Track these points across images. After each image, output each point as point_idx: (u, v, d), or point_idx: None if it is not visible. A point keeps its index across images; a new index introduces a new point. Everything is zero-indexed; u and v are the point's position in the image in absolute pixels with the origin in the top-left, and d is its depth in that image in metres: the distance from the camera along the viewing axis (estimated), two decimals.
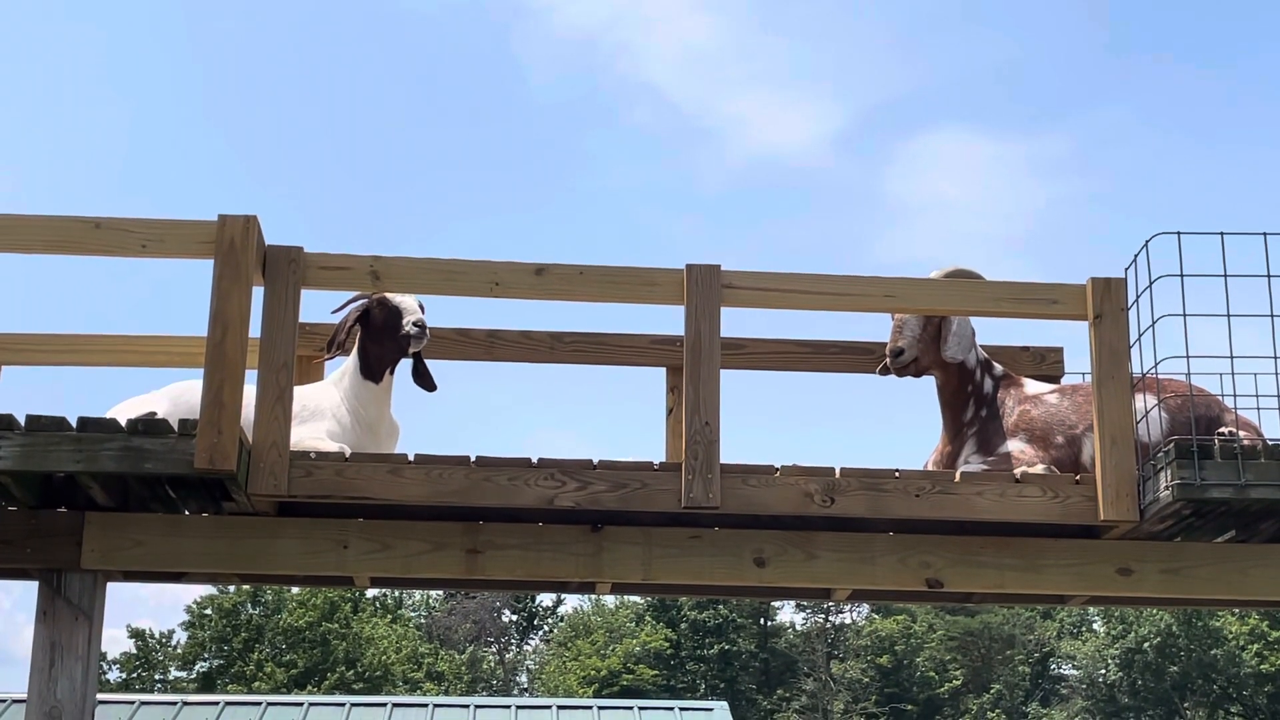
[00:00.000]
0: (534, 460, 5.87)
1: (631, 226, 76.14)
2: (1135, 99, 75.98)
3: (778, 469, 5.92)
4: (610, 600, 55.09)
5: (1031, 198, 76.72)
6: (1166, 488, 5.60)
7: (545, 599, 55.45)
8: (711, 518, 6.04)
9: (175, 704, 14.05)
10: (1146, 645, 47.57)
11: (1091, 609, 53.59)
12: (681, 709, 14.48)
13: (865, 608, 53.81)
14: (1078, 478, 5.97)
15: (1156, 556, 6.09)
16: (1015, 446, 6.32)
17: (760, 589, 6.48)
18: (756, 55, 77.90)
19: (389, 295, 6.43)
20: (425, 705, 14.22)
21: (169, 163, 73.92)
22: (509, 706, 14.32)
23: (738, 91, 77.86)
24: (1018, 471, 6.03)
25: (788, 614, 54.44)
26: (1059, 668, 55.37)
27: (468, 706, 14.26)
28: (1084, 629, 54.51)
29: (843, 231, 76.82)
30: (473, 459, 5.85)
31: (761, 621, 53.34)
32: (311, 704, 14.22)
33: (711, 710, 14.48)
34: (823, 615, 53.87)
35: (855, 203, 77.64)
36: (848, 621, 54.15)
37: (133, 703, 13.87)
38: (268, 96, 76.33)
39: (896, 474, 5.95)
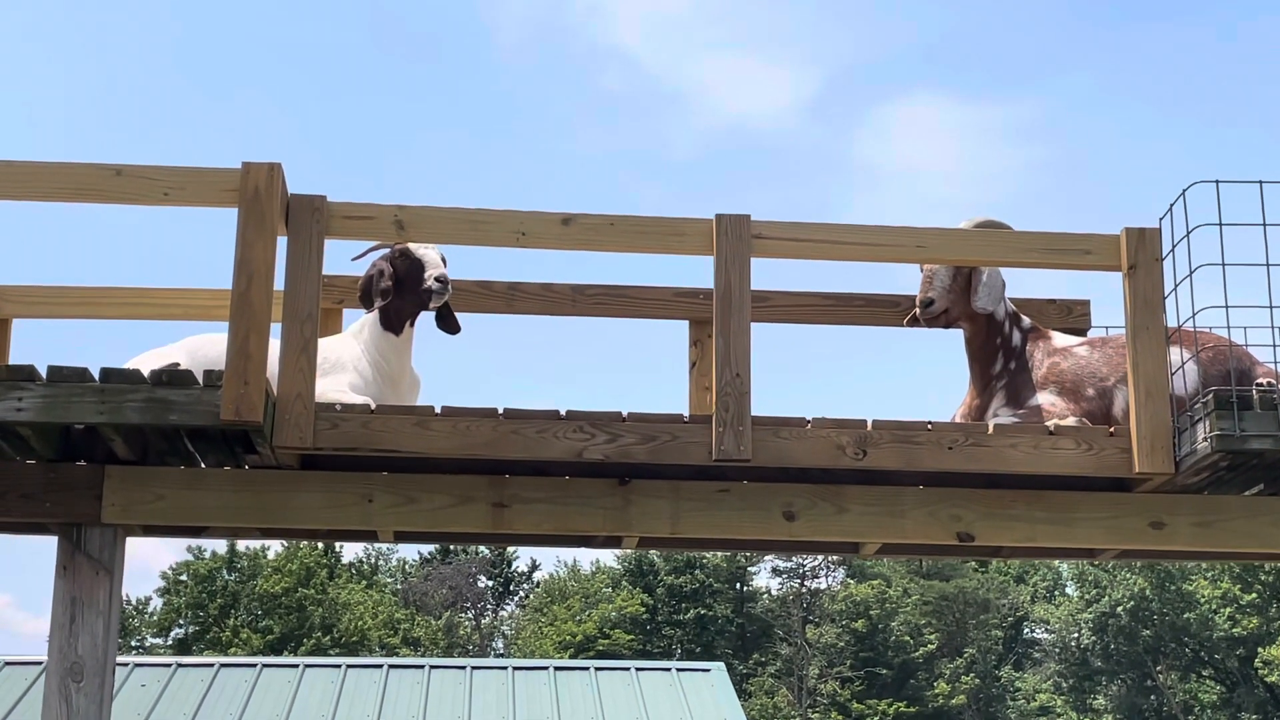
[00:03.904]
0: (562, 413, 5.79)
1: (600, 192, 75.92)
2: (1108, 63, 76.04)
3: (809, 421, 5.85)
4: (586, 565, 55.18)
5: (1005, 163, 76.82)
6: (1205, 439, 5.55)
7: (521, 564, 55.52)
8: (740, 471, 5.97)
9: (169, 666, 13.95)
10: (1120, 609, 47.82)
11: (1065, 571, 53.88)
12: (679, 669, 14.45)
13: (840, 573, 53.98)
14: (1112, 430, 5.92)
15: (1189, 510, 6.04)
16: (1046, 399, 6.27)
17: (789, 543, 6.42)
18: (727, 19, 77.74)
19: (411, 247, 6.33)
20: (421, 667, 14.13)
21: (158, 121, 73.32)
22: (505, 668, 14.24)
23: (708, 56, 77.63)
24: (1051, 424, 5.97)
25: (764, 579, 54.61)
26: (1032, 632, 55.72)
27: (464, 668, 14.18)
28: (1057, 593, 54.81)
29: (813, 197, 76.78)
30: (500, 411, 5.76)
31: (738, 586, 53.47)
32: (307, 665, 14.11)
33: (709, 671, 14.44)
34: (798, 580, 54.01)
35: (826, 168, 77.68)
36: (823, 587, 54.31)
37: (126, 664, 13.77)
38: (247, 62, 75.74)
39: (929, 426, 5.88)
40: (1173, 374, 5.93)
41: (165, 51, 74.91)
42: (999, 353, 6.48)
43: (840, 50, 78.99)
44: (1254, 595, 45.78)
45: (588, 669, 14.37)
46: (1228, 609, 46.26)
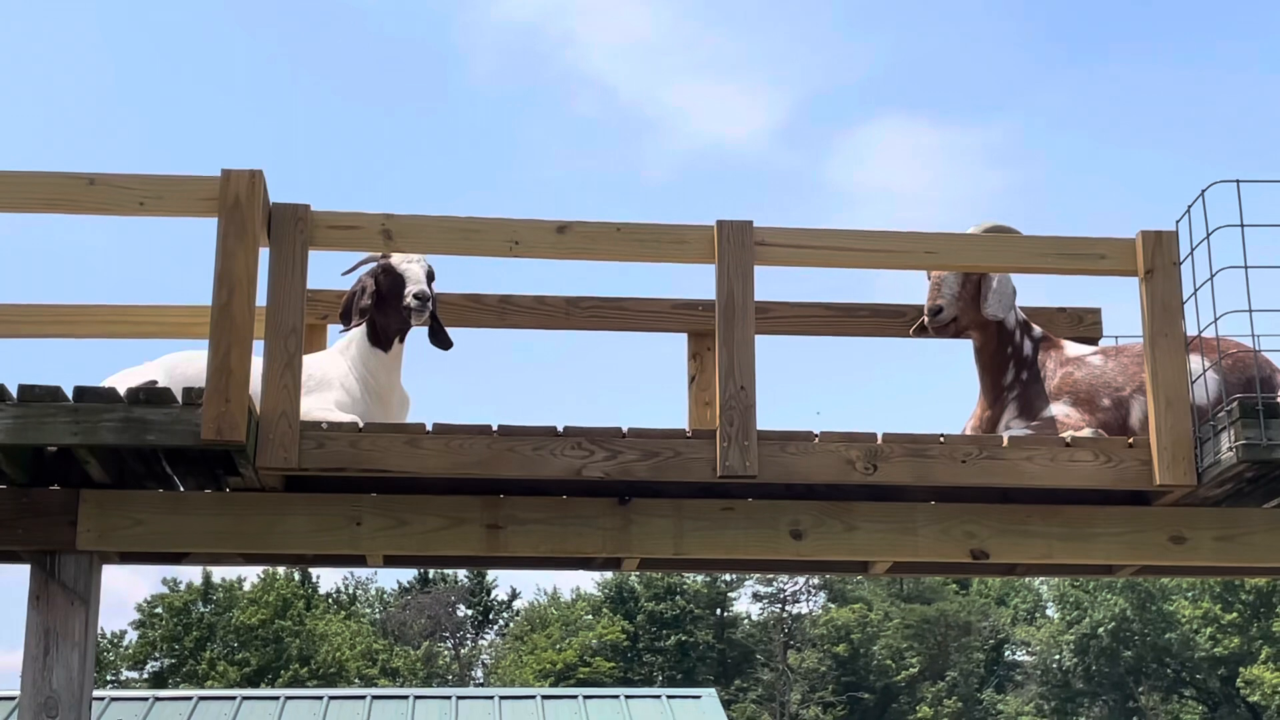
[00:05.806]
0: (559, 429, 5.55)
1: (574, 218, 75.46)
2: (1079, 86, 76.26)
3: (817, 435, 5.62)
4: (566, 592, 54.84)
5: (981, 185, 76.90)
6: (1229, 449, 5.34)
7: (500, 592, 55.14)
8: (745, 488, 5.73)
9: (147, 700, 13.59)
10: (1101, 630, 47.64)
11: (1045, 593, 53.73)
12: (669, 697, 14.15)
13: (821, 597, 53.74)
14: (1130, 441, 5.70)
15: (1210, 523, 5.82)
16: (1060, 410, 6.05)
17: (796, 563, 6.20)
18: (699, 46, 77.73)
19: (394, 262, 6.08)
20: (406, 697, 13.79)
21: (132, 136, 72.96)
22: (491, 697, 13.92)
23: (681, 82, 77.63)
24: (1068, 435, 5.75)
25: (744, 604, 54.36)
26: (1014, 654, 55.50)
27: (449, 698, 13.85)
28: (1038, 615, 54.64)
29: (787, 222, 75.94)
30: (494, 428, 5.52)
31: (718, 612, 53.12)
32: (288, 698, 13.77)
33: (699, 698, 14.15)
34: (779, 605, 53.72)
35: (800, 192, 77.51)
36: (804, 611, 54.03)
37: (102, 699, 13.41)
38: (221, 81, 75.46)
39: (941, 439, 5.66)
40: (1193, 382, 5.71)
41: (149, 60, 74.62)
42: (1010, 362, 6.27)
43: (811, 75, 79.12)
44: (1235, 615, 45.61)
45: (576, 697, 14.06)
46: (1209, 629, 46.12)
